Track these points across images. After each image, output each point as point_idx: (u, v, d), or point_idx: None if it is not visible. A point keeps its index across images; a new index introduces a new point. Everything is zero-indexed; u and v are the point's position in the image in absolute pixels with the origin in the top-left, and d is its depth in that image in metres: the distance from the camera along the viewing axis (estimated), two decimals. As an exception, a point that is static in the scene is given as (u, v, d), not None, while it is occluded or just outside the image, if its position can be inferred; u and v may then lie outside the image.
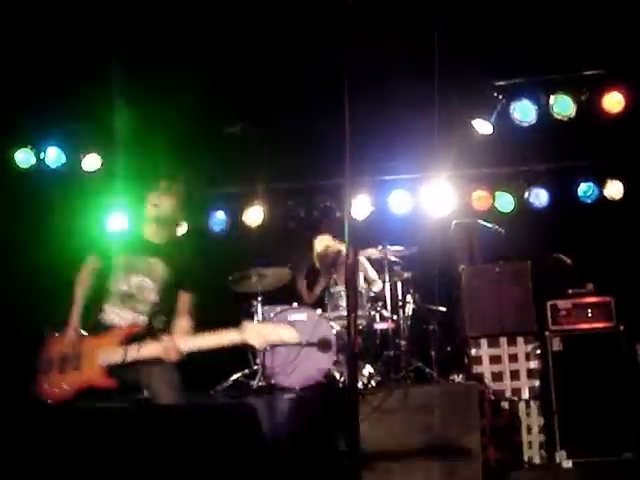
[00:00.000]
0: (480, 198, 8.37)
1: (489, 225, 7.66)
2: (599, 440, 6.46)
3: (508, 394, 6.74)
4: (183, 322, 4.55)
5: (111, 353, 4.33)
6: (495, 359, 6.90)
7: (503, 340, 6.93)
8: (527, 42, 6.37)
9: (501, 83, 7.21)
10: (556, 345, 6.79)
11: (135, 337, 4.37)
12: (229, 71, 6.83)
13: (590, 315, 6.96)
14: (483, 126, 7.37)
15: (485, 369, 6.87)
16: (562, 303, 7.01)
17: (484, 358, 6.91)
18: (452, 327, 7.57)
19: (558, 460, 6.40)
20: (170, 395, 4.36)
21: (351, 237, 3.70)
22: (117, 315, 4.53)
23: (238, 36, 6.42)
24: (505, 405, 6.68)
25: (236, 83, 7.00)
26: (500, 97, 7.18)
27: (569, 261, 7.57)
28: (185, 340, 4.35)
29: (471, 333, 7.02)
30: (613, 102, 7.13)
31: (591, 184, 8.23)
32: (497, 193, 8.38)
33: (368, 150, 6.83)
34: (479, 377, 6.77)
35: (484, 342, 6.94)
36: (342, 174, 3.61)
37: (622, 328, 6.84)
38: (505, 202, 8.36)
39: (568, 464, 6.32)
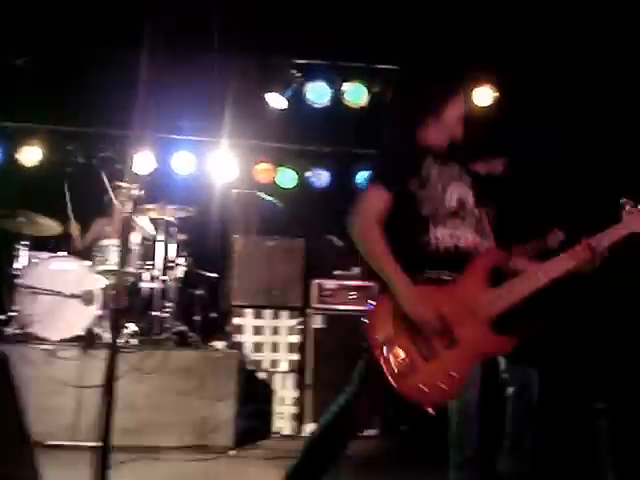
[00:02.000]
0: (263, 171, 8.45)
1: (269, 198, 7.75)
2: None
3: (266, 365, 6.87)
4: None
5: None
6: (258, 330, 6.99)
7: (268, 312, 7.04)
8: (333, 26, 6.50)
9: (300, 62, 7.30)
10: (317, 322, 7.00)
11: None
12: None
13: (353, 297, 7.25)
14: (277, 101, 7.44)
15: (247, 339, 6.94)
16: (328, 283, 7.23)
17: (247, 328, 6.98)
18: (220, 294, 7.61)
19: (306, 432, 6.62)
20: None
21: (130, 192, 3.60)
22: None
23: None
24: (262, 375, 6.82)
25: (28, 13, 6.59)
26: (297, 75, 7.28)
27: (341, 243, 7.82)
28: None
29: (237, 302, 7.07)
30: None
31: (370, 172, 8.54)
32: (280, 168, 8.49)
33: (157, 106, 6.68)
34: (240, 346, 6.85)
35: (249, 312, 7.01)
36: (128, 125, 3.50)
37: (381, 313, 7.17)
38: (287, 178, 8.51)
39: (315, 437, 6.55)
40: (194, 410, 5.74)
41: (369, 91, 7.37)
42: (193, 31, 6.53)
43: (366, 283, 7.26)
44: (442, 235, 3.42)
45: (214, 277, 7.49)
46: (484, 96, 7.46)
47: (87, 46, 7.05)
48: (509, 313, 3.30)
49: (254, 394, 6.61)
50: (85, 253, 6.96)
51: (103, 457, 3.09)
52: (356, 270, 7.48)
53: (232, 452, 5.66)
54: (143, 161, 7.97)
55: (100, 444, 3.10)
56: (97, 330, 6.28)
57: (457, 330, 3.20)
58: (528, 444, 3.78)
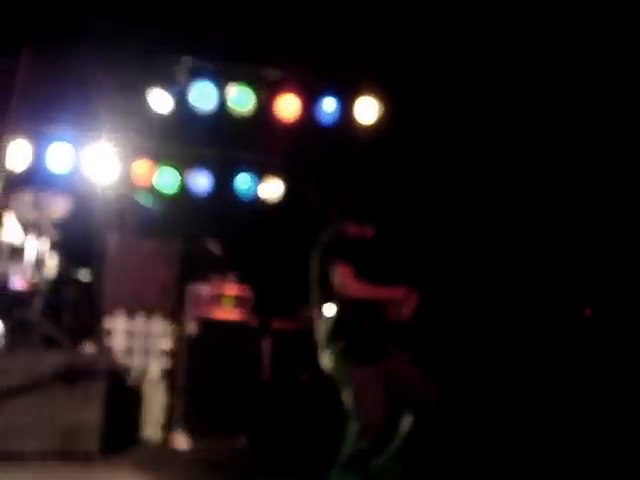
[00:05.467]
0: (142, 171, 8.24)
1: (146, 199, 7.60)
2: (216, 424, 6.71)
3: (137, 371, 6.72)
4: None
5: None
6: (129, 334, 6.85)
7: (140, 316, 6.91)
8: (222, 28, 6.46)
9: (188, 62, 7.20)
10: (191, 328, 6.91)
11: None
12: None
13: (228, 304, 7.19)
14: (161, 100, 7.29)
15: (117, 343, 6.79)
16: (204, 289, 7.15)
17: (118, 332, 6.83)
18: (91, 296, 7.39)
19: (175, 440, 6.50)
20: None
21: (4, 186, 3.45)
22: None
23: None
24: (132, 381, 6.66)
25: None
26: (184, 76, 7.16)
27: (218, 249, 7.74)
28: None
29: (109, 305, 6.89)
30: (287, 107, 7.46)
31: (251, 179, 8.51)
32: (160, 169, 8.31)
33: (35, 97, 6.46)
34: (110, 350, 6.67)
35: (121, 315, 6.87)
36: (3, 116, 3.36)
37: (255, 322, 7.17)
38: (166, 180, 8.33)
39: (183, 445, 6.44)
40: (60, 414, 5.54)
41: (255, 96, 7.34)
42: (77, 22, 6.35)
43: (243, 290, 7.23)
44: None
45: (85, 278, 7.26)
46: (370, 111, 7.56)
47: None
48: None
49: (123, 400, 6.44)
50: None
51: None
52: (232, 276, 7.43)
53: (98, 458, 5.48)
54: (18, 154, 7.63)
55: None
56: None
57: None
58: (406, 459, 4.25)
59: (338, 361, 4.30)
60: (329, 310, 4.39)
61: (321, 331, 4.37)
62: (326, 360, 4.35)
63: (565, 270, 6.87)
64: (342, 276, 4.32)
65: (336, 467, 4.16)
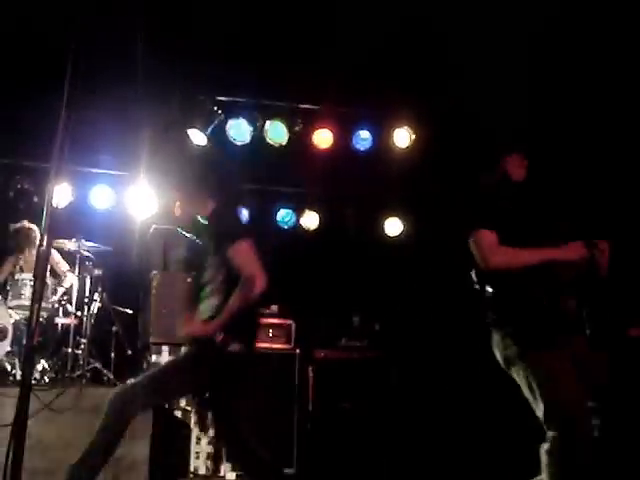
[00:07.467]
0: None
1: (187, 235, 7.67)
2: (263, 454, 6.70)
3: (182, 403, 6.76)
4: None
5: None
6: (175, 368, 6.89)
7: (185, 349, 6.95)
8: (255, 65, 6.55)
9: (222, 99, 7.32)
10: (235, 360, 6.94)
11: None
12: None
13: (271, 335, 7.24)
14: (198, 137, 7.42)
15: (163, 376, 6.83)
16: (246, 320, 7.19)
17: (164, 366, 6.89)
18: (136, 331, 7.48)
19: (223, 472, 6.53)
20: None
21: (48, 225, 3.54)
22: None
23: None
24: (178, 414, 6.71)
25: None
26: (219, 112, 7.29)
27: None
28: None
29: (154, 339, 6.96)
30: (322, 138, 7.54)
31: (290, 211, 8.59)
32: (201, 204, 8.42)
33: (77, 139, 6.59)
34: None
35: (166, 350, 6.92)
36: (46, 158, 3.44)
37: (298, 351, 7.20)
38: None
39: (232, 476, 6.46)
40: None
41: (290, 130, 7.43)
42: (115, 65, 6.50)
43: (284, 321, 7.27)
44: None
45: (130, 313, 7.37)
46: (403, 138, 7.61)
47: (4, 78, 6.93)
48: None
49: (170, 433, 6.49)
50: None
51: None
52: (274, 308, 7.47)
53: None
54: (60, 194, 7.77)
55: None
56: (7, 367, 6.10)
57: None
58: None
59: (508, 347, 3.64)
60: (489, 288, 3.75)
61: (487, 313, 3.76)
62: (494, 344, 3.74)
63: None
64: (480, 248, 3.67)
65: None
